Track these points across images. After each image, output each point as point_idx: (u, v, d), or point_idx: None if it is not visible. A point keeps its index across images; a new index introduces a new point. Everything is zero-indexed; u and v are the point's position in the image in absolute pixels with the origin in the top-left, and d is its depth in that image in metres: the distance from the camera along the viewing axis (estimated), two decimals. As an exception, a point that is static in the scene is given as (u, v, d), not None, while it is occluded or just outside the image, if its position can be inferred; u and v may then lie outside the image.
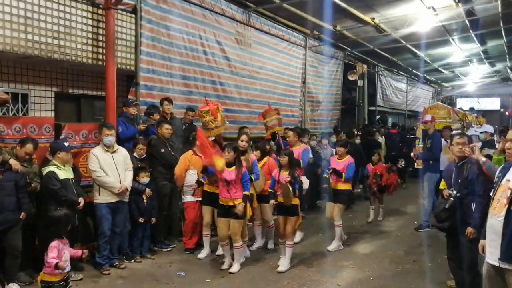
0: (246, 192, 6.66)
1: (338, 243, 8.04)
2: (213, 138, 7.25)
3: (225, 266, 6.87)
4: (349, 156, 8.18)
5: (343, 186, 7.99)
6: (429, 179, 9.11)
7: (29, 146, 5.94)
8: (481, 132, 9.67)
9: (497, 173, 4.16)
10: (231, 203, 6.63)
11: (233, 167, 6.65)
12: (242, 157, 6.98)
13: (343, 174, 7.87)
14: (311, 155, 9.30)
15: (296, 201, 6.94)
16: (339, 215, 8.02)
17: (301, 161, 7.97)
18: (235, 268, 6.79)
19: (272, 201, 7.00)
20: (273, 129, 9.19)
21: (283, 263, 6.89)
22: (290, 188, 6.74)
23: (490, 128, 11.12)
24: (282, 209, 6.99)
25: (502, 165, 4.22)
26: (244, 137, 7.39)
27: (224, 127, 7.47)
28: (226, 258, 6.97)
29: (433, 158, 9.13)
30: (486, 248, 4.01)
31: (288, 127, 9.20)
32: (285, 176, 6.84)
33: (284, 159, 6.95)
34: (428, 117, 9.92)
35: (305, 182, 8.01)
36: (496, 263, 3.83)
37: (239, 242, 6.80)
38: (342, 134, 13.64)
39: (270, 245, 7.96)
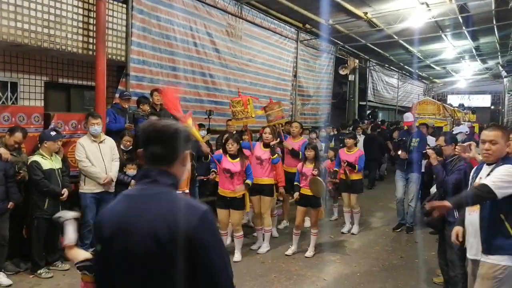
0: (248, 181, 6.83)
1: (357, 226, 8.81)
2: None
3: None
4: (358, 148, 8.71)
5: (356, 176, 8.59)
6: (416, 180, 8.69)
7: (18, 135, 5.91)
8: (456, 134, 9.02)
9: (472, 173, 4.23)
10: (232, 195, 6.76)
11: (237, 159, 6.82)
12: (267, 149, 7.38)
13: (356, 166, 8.41)
14: None
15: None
16: (357, 203, 8.72)
17: (300, 152, 8.12)
18: (238, 257, 6.93)
19: (296, 194, 7.21)
20: (275, 122, 8.64)
21: (310, 249, 7.28)
22: (323, 182, 6.91)
23: (464, 128, 11.10)
24: (304, 201, 7.17)
25: (476, 166, 4.28)
26: (267, 129, 7.57)
27: (253, 119, 7.75)
28: None
29: (421, 159, 8.43)
30: (466, 244, 4.05)
31: (290, 121, 9.17)
32: (310, 169, 7.04)
33: (310, 153, 7.16)
34: (410, 118, 8.84)
35: None
36: (476, 258, 3.89)
37: (240, 232, 7.01)
38: (333, 128, 13.69)
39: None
